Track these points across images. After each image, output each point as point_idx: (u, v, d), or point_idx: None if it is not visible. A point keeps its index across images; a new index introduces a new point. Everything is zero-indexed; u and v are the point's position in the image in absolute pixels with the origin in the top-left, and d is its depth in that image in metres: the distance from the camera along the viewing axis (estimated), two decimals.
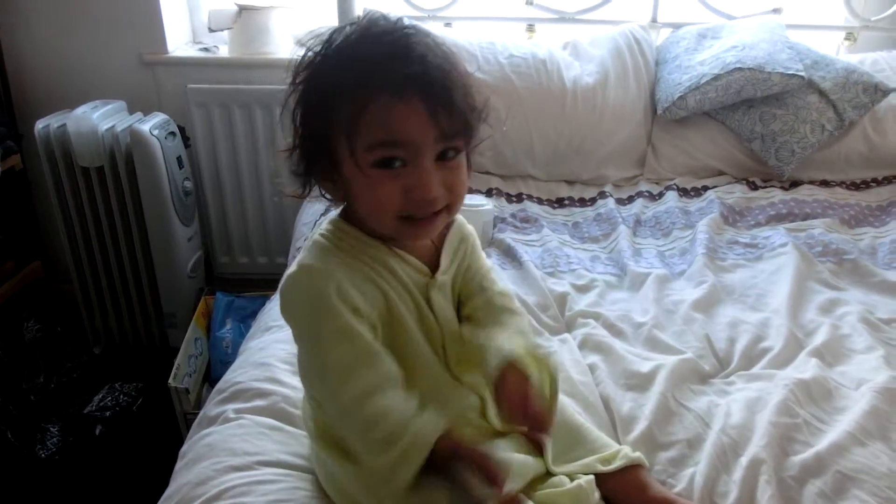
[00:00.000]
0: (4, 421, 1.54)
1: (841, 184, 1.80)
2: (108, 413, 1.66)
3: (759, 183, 1.79)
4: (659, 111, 1.83)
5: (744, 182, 1.78)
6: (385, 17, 0.72)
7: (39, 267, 2.05)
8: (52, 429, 1.60)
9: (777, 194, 1.71)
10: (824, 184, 1.80)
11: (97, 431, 1.63)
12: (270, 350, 1.07)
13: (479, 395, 0.82)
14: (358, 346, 0.70)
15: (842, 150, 1.82)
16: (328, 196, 0.77)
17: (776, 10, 2.02)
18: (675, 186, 1.76)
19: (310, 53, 0.72)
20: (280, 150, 0.75)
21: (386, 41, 0.69)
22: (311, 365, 0.75)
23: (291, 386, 0.98)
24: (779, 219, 1.61)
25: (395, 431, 0.68)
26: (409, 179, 0.68)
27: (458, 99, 0.68)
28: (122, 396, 1.72)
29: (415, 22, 0.73)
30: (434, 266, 0.80)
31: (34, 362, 1.72)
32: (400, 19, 0.72)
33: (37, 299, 1.98)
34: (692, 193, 1.74)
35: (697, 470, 0.87)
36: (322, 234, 0.77)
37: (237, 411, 0.93)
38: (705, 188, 1.75)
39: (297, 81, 0.72)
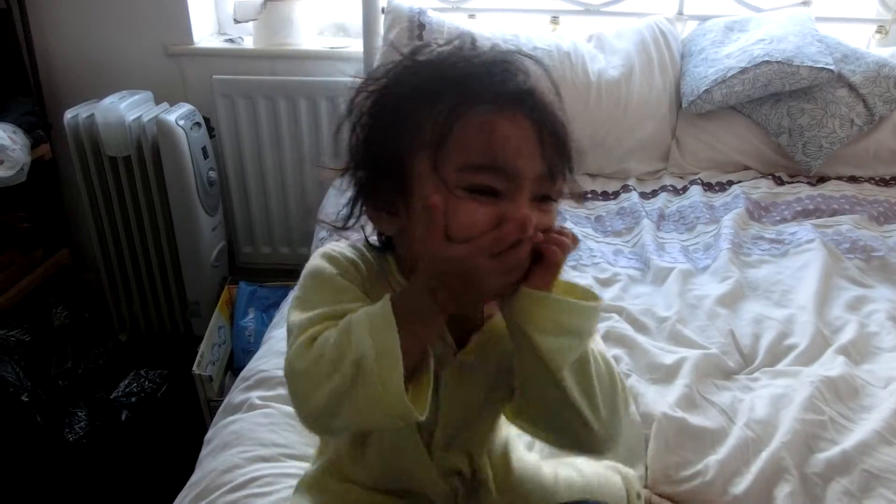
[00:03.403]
0: (34, 405, 1.57)
1: (870, 179, 1.77)
2: (133, 399, 1.69)
3: (785, 178, 1.76)
4: (684, 105, 1.81)
5: (770, 177, 1.76)
6: (478, 39, 0.63)
7: (67, 255, 2.08)
8: (79, 413, 1.63)
9: (804, 190, 1.69)
10: (852, 179, 1.77)
11: (123, 417, 1.66)
12: None
13: (460, 470, 0.69)
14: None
15: (871, 146, 1.78)
16: (373, 231, 0.65)
17: (805, 3, 1.99)
18: (699, 181, 1.74)
19: (384, 67, 0.62)
20: (329, 166, 0.65)
21: (485, 55, 0.60)
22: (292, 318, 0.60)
23: None
24: (805, 214, 1.59)
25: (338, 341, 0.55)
26: (504, 208, 0.56)
27: (565, 131, 0.59)
28: (147, 383, 1.74)
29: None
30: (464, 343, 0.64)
31: (62, 348, 1.75)
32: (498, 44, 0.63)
33: (65, 286, 2.01)
34: (717, 188, 1.73)
35: (717, 459, 0.87)
36: (352, 248, 0.65)
37: (262, 398, 0.94)
38: (730, 183, 1.73)
39: (368, 89, 0.62)
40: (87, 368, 1.74)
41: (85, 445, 1.60)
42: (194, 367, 1.58)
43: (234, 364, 1.77)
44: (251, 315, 1.82)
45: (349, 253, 0.63)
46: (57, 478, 1.55)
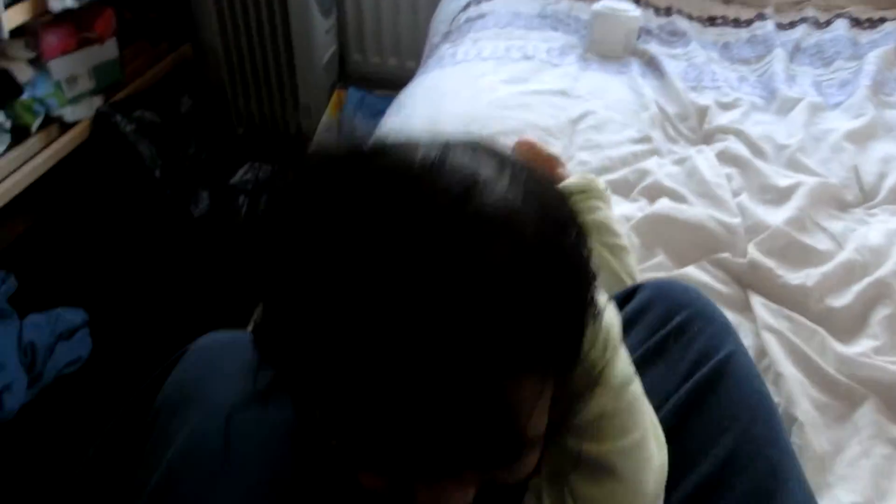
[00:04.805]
0: (165, 181, 1.72)
1: None
2: (249, 186, 1.83)
3: None
4: None
5: None
6: (395, 169, 0.39)
7: (189, 49, 2.16)
8: (202, 193, 1.78)
9: None
10: None
11: (240, 201, 1.80)
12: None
13: None
14: None
15: None
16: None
17: None
18: (847, 15, 1.57)
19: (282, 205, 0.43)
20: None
21: (396, 267, 0.35)
22: None
23: None
24: None
25: None
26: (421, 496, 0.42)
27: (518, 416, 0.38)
28: (261, 174, 1.86)
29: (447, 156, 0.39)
30: None
31: (188, 134, 1.87)
32: (418, 160, 0.39)
33: (188, 80, 2.11)
34: (866, 24, 1.56)
35: (820, 272, 0.87)
36: None
37: None
38: (883, 20, 1.56)
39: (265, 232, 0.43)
40: (209, 155, 1.87)
41: (208, 222, 1.76)
42: None
43: None
44: (359, 120, 1.87)
45: None
46: (184, 248, 1.73)
